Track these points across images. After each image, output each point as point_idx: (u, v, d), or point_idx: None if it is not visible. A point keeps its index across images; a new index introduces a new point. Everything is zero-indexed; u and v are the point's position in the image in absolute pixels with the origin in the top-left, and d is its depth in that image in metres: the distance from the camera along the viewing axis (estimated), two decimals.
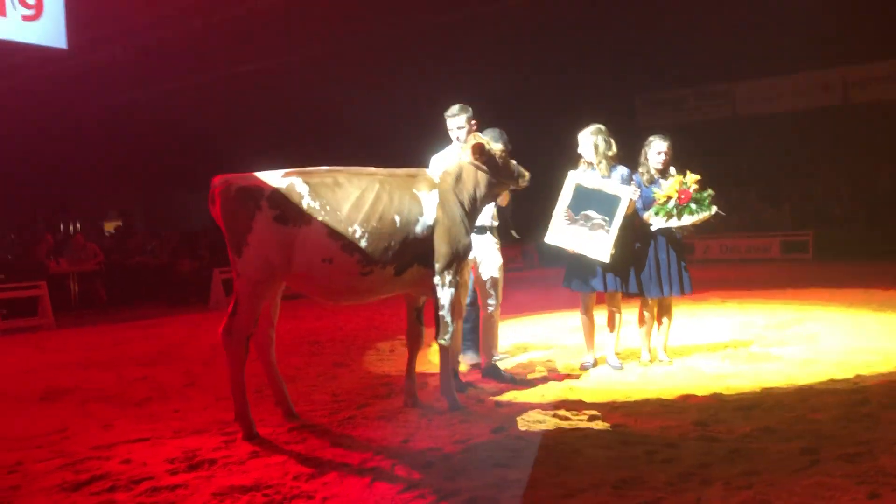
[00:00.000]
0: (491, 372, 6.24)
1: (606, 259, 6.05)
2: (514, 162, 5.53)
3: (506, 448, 4.29)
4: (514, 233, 6.62)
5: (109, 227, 24.59)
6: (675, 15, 18.70)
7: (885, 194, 18.75)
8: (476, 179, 5.33)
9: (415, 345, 5.45)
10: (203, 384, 6.53)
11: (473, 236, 5.59)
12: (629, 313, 6.68)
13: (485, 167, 5.33)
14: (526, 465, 3.95)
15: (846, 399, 5.00)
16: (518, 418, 4.94)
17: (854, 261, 15.33)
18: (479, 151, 5.31)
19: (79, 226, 23.83)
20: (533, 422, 4.83)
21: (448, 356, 5.31)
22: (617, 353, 6.45)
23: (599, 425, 4.67)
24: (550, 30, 18.85)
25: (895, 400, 4.89)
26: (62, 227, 23.41)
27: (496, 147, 5.40)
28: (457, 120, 6.08)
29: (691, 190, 6.11)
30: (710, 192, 6.19)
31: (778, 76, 22.24)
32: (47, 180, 21.82)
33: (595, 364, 6.43)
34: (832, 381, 5.52)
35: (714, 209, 6.19)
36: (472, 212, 5.34)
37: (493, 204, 6.02)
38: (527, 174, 5.58)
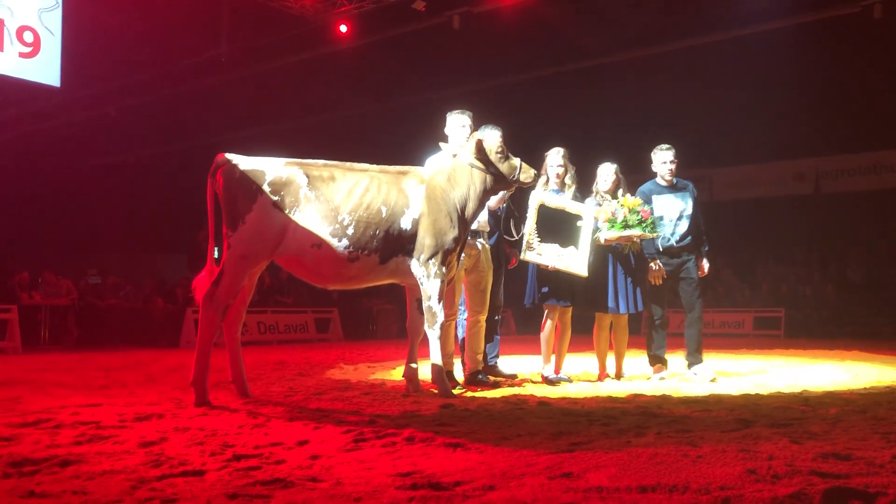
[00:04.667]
0: (474, 379, 6.25)
1: (585, 273, 6.23)
2: (516, 160, 5.62)
3: (452, 416, 4.38)
4: (515, 234, 6.52)
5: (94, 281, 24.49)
6: (664, 102, 19.49)
7: (854, 279, 19.17)
8: (471, 178, 5.49)
9: (415, 333, 5.59)
10: (163, 381, 6.56)
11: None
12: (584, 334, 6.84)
13: (482, 165, 5.52)
14: (468, 425, 4.04)
15: (788, 399, 5.14)
16: (470, 401, 5.05)
17: (823, 337, 15.61)
18: (478, 149, 5.51)
19: None
20: (482, 404, 4.93)
21: (438, 345, 5.39)
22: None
23: (544, 407, 4.77)
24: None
25: (835, 400, 5.04)
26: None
27: (494, 145, 5.56)
28: (461, 118, 6.27)
29: (641, 210, 6.39)
30: (652, 218, 6.48)
31: (753, 165, 22.98)
32: (25, 235, 21.80)
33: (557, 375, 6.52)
34: (779, 392, 5.64)
35: (655, 233, 6.48)
36: (464, 208, 5.46)
37: (484, 210, 6.03)
38: (531, 171, 5.69)
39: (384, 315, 17.53)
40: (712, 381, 6.50)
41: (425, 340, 5.47)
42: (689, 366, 6.86)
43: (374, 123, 20.03)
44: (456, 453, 3.29)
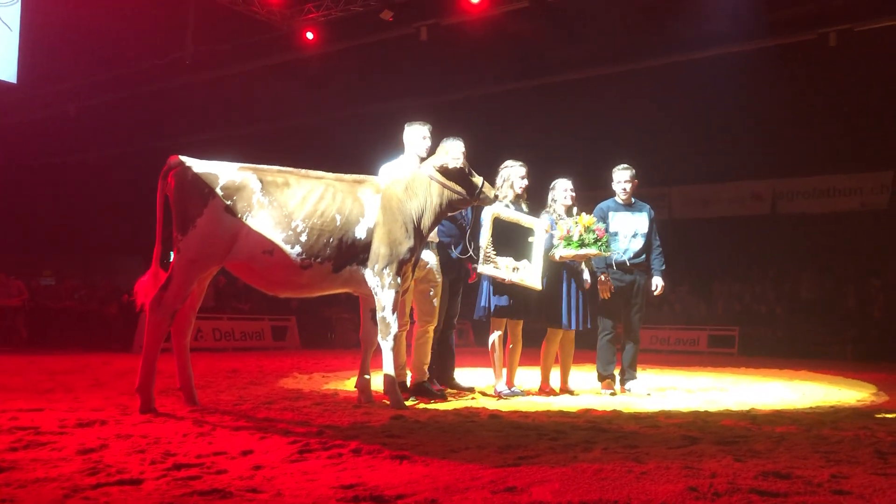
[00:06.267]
0: (420, 390, 6.17)
1: (539, 286, 6.26)
2: (479, 178, 5.60)
3: (401, 427, 4.35)
4: (471, 251, 6.41)
5: (47, 283, 23.93)
6: (625, 120, 19.72)
7: (806, 300, 19.52)
8: (429, 191, 5.46)
9: (368, 344, 5.53)
10: (110, 386, 6.43)
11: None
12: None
13: (443, 179, 5.48)
14: (417, 437, 4.01)
15: (736, 416, 5.21)
16: (421, 413, 5.03)
17: (776, 356, 15.89)
18: (442, 167, 5.48)
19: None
20: (433, 416, 4.91)
21: (391, 357, 5.34)
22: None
23: (495, 420, 4.76)
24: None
25: (781, 418, 5.12)
26: None
27: (457, 161, 5.50)
28: (421, 130, 6.26)
29: (596, 228, 6.46)
30: (607, 237, 6.57)
31: (712, 184, 23.34)
32: None
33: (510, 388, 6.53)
34: (728, 410, 5.71)
35: (609, 251, 6.57)
36: (420, 219, 5.42)
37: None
38: (492, 192, 5.69)
39: (343, 324, 17.41)
40: (647, 395, 6.73)
41: (379, 351, 5.44)
42: (624, 382, 7.02)
43: (338, 132, 19.94)
44: (402, 466, 3.26)
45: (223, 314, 15.27)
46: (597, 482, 2.95)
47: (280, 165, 5.33)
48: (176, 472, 3.00)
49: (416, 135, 6.30)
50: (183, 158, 5.03)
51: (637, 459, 3.42)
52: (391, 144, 6.71)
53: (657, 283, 7.06)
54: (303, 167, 5.42)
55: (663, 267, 7.10)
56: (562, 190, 6.81)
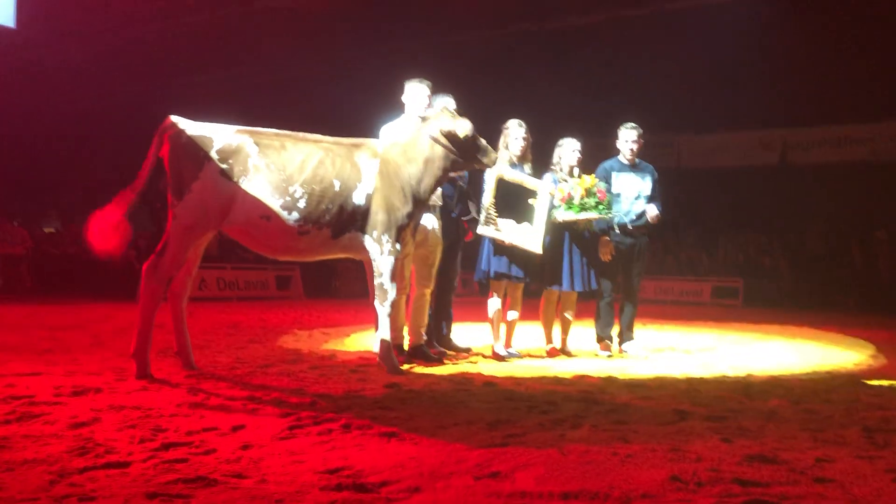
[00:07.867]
0: (417, 353, 6.19)
1: (539, 250, 6.23)
2: (482, 141, 5.54)
3: (394, 398, 4.38)
4: (473, 212, 6.54)
5: (49, 230, 24.01)
6: (633, 67, 19.32)
7: (812, 252, 19.46)
8: (431, 152, 5.39)
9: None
10: (109, 345, 6.48)
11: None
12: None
13: (445, 142, 5.40)
14: (409, 409, 4.04)
15: (730, 386, 5.22)
16: (416, 380, 5.06)
17: (779, 308, 15.95)
18: (448, 132, 5.40)
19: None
20: (428, 383, 4.94)
21: (387, 322, 5.35)
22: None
23: (489, 389, 4.79)
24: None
25: (774, 388, 5.13)
26: None
27: (462, 125, 5.41)
28: (421, 87, 6.18)
29: (597, 189, 6.39)
30: (609, 199, 6.51)
31: (721, 133, 23.04)
32: None
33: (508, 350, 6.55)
34: (724, 376, 5.72)
35: (609, 213, 6.51)
36: (420, 183, 5.37)
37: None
38: (494, 155, 5.64)
39: (347, 273, 17.47)
40: (645, 358, 6.77)
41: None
42: (621, 343, 7.07)
43: (334, 84, 19.66)
44: (390, 444, 3.28)
45: (227, 263, 15.33)
46: (581, 466, 2.96)
47: (278, 118, 5.26)
48: (164, 452, 3.03)
49: (416, 93, 6.21)
50: (176, 120, 4.95)
51: (624, 439, 3.44)
52: (390, 104, 6.61)
53: (652, 210, 6.88)
54: (299, 118, 5.34)
55: (660, 207, 6.96)
56: (569, 150, 6.71)
